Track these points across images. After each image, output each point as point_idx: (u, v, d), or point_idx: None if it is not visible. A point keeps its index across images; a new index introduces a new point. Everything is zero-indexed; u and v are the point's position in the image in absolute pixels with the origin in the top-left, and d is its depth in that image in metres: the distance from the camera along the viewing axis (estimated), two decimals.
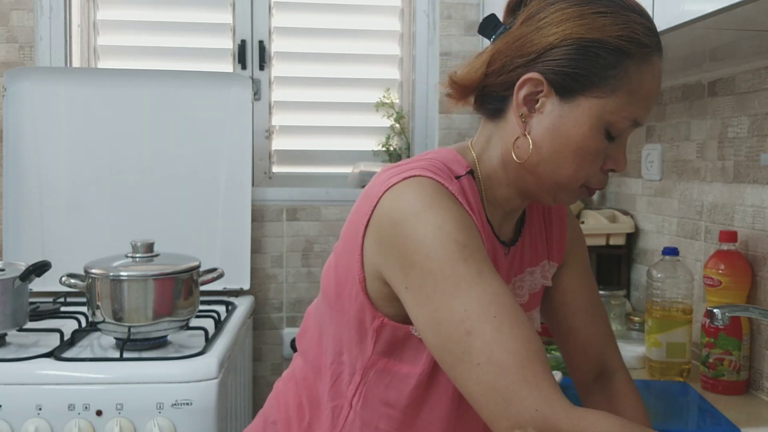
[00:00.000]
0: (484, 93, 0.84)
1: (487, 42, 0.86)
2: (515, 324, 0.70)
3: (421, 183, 0.75)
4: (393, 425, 0.84)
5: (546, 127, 0.79)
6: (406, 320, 0.78)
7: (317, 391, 0.89)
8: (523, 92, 0.79)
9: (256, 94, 2.02)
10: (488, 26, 0.85)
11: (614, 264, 1.84)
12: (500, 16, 0.86)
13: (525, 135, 0.80)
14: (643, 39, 0.77)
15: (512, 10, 0.84)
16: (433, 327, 0.71)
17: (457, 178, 0.81)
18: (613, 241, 1.76)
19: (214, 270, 1.54)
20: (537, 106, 0.79)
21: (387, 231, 0.75)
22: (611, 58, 0.76)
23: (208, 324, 1.54)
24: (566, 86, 0.77)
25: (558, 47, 0.77)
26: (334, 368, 0.85)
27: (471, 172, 0.84)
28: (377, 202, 0.76)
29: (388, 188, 0.76)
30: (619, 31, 0.76)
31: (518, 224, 0.93)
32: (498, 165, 0.85)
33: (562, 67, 0.77)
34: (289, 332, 2.01)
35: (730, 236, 1.28)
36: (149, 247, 1.46)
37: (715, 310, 1.02)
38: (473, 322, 0.69)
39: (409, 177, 0.76)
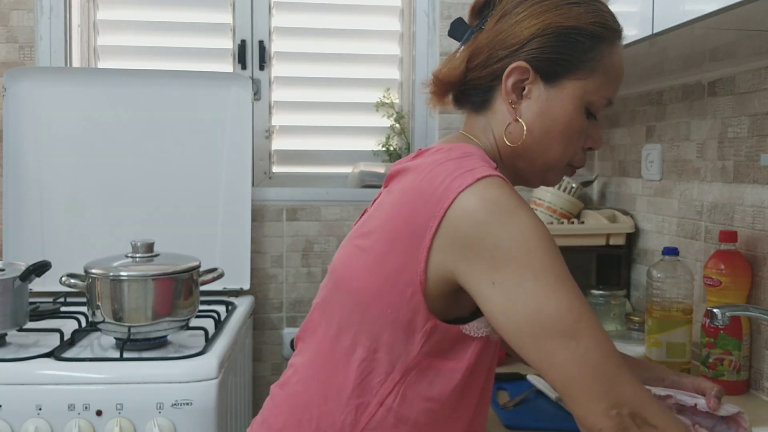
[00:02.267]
0: (467, 87, 0.91)
1: None
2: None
3: (499, 183, 0.78)
4: (432, 417, 0.85)
5: (535, 111, 0.86)
6: (454, 320, 0.81)
7: (328, 392, 0.86)
8: (511, 80, 0.86)
9: (256, 94, 2.02)
10: (458, 29, 0.92)
11: (614, 264, 1.84)
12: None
13: (517, 120, 0.87)
14: (612, 24, 0.88)
15: (478, 12, 0.91)
16: (532, 317, 0.74)
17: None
18: (613, 241, 1.76)
19: (214, 270, 1.54)
20: (524, 92, 0.87)
21: (471, 230, 0.76)
22: (588, 42, 0.85)
23: (208, 324, 1.54)
24: (551, 71, 0.85)
25: (539, 36, 0.85)
26: (365, 366, 0.84)
27: None
28: (449, 206, 0.77)
29: (461, 192, 0.77)
30: (592, 18, 0.86)
31: None
32: (495, 153, 0.90)
33: (546, 53, 0.85)
34: (289, 332, 2.01)
35: (730, 236, 1.28)
36: (149, 247, 1.46)
37: (715, 310, 1.02)
38: (579, 311, 0.74)
39: (483, 177, 0.77)
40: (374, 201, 0.93)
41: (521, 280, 0.74)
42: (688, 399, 0.93)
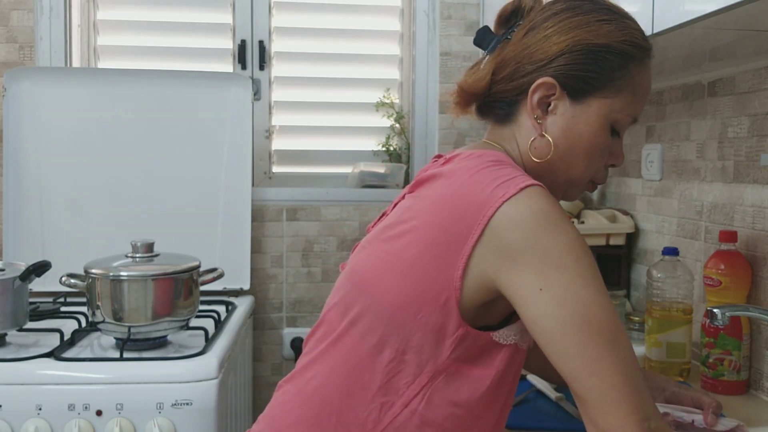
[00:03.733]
0: (492, 99, 0.90)
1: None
2: None
3: (542, 192, 0.78)
4: (457, 423, 0.85)
5: (561, 127, 0.86)
6: (483, 328, 0.82)
7: (354, 385, 0.85)
8: (537, 96, 0.85)
9: (256, 94, 2.02)
10: (484, 38, 0.92)
11: (614, 264, 1.84)
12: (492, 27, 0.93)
13: (542, 135, 0.87)
14: (642, 43, 0.87)
15: (505, 21, 0.91)
16: (579, 325, 0.74)
17: None
18: (613, 241, 1.76)
19: (214, 270, 1.54)
20: (549, 108, 0.86)
21: (518, 238, 0.76)
22: (617, 60, 0.84)
23: (208, 324, 1.54)
24: (578, 88, 0.85)
25: (568, 53, 0.84)
26: (392, 366, 0.83)
27: None
28: (493, 215, 0.77)
29: (505, 201, 0.77)
30: (622, 36, 0.85)
31: None
32: (521, 166, 0.89)
33: (574, 71, 0.84)
34: (289, 332, 2.02)
35: (730, 236, 1.28)
36: (149, 247, 1.46)
37: (715, 310, 1.02)
38: (617, 321, 0.75)
39: (526, 186, 0.77)
40: (395, 204, 0.92)
41: (572, 286, 0.75)
42: (685, 416, 0.94)
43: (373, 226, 0.92)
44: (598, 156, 0.88)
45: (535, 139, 0.87)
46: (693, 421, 0.91)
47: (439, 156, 0.91)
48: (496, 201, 0.77)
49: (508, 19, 0.91)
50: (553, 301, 0.75)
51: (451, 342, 0.80)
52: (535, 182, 0.79)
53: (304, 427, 0.86)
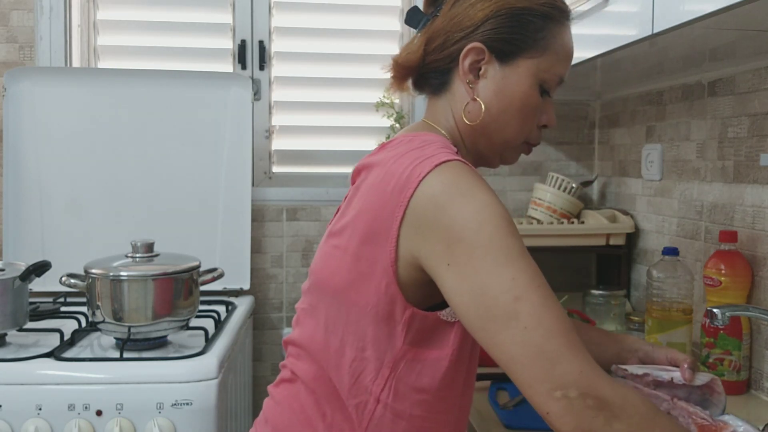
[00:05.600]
0: (426, 71, 0.94)
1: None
2: (554, 296, 0.75)
3: (457, 166, 0.80)
4: (425, 408, 0.86)
5: (492, 89, 0.90)
6: (432, 308, 0.82)
7: (334, 389, 0.87)
8: (467, 61, 0.89)
9: (256, 94, 2.02)
10: (414, 17, 0.96)
11: (614, 264, 1.84)
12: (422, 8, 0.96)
13: (474, 99, 0.90)
14: (560, 5, 0.92)
15: (433, 0, 0.95)
16: (477, 297, 0.74)
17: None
18: (613, 241, 1.76)
19: (214, 270, 1.54)
20: (480, 72, 0.90)
21: (431, 214, 0.77)
22: (539, 22, 0.89)
23: (208, 324, 1.54)
24: (505, 50, 0.89)
25: (493, 18, 0.88)
26: (356, 366, 0.85)
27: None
28: (413, 193, 0.78)
29: (423, 178, 0.78)
30: None
31: None
32: (456, 134, 0.93)
33: (500, 34, 0.88)
34: (289, 332, 2.01)
35: (730, 236, 1.28)
36: (149, 247, 1.46)
37: (715, 310, 1.02)
38: (522, 290, 0.73)
39: (441, 163, 0.79)
40: (345, 198, 0.94)
41: (470, 259, 0.75)
42: (664, 374, 0.95)
43: (330, 224, 0.93)
44: (531, 115, 0.91)
45: (468, 103, 0.90)
46: (672, 378, 0.93)
47: (381, 144, 0.93)
48: (415, 180, 0.79)
49: None
50: (456, 275, 0.76)
51: (402, 327, 0.82)
52: (454, 157, 0.81)
53: (299, 428, 0.89)
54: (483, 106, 0.89)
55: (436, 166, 0.79)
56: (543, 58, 0.89)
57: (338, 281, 0.85)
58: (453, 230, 0.76)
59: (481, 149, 0.94)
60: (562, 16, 0.91)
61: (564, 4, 0.93)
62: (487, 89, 0.90)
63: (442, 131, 0.93)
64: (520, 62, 0.89)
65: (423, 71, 0.94)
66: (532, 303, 0.73)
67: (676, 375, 0.94)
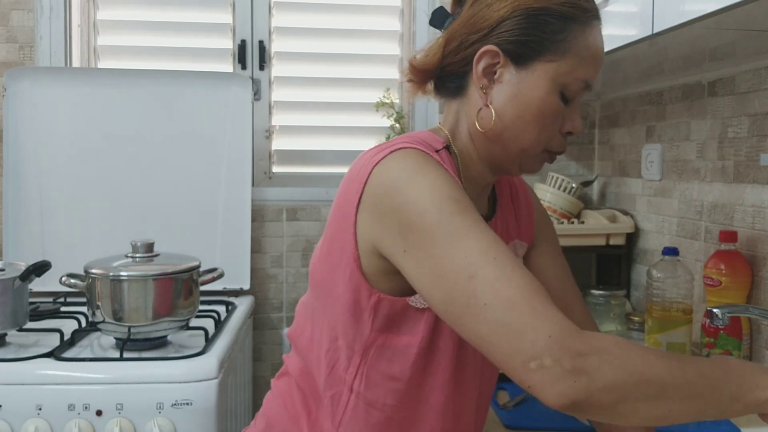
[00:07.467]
0: (444, 74, 0.89)
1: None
2: (515, 264, 0.72)
3: (407, 152, 0.79)
4: (398, 398, 0.85)
5: (506, 95, 0.84)
6: (402, 293, 0.81)
7: (316, 384, 0.89)
8: (481, 65, 0.84)
9: (256, 94, 2.02)
10: (439, 17, 0.91)
11: (614, 264, 1.84)
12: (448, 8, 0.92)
13: (487, 105, 0.85)
14: (583, 4, 0.84)
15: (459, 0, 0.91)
16: (436, 281, 0.73)
17: (437, 151, 0.84)
18: (613, 241, 1.76)
19: (214, 270, 1.54)
20: (495, 76, 0.85)
21: (382, 201, 0.77)
22: (558, 23, 0.82)
23: (208, 324, 1.54)
24: (521, 54, 0.83)
25: (509, 19, 0.83)
26: (330, 356, 0.86)
27: (447, 147, 0.88)
28: (367, 179, 0.78)
29: (376, 164, 0.79)
30: None
31: (490, 202, 0.97)
32: (467, 140, 0.90)
33: (515, 36, 0.83)
34: None
35: (730, 236, 1.28)
36: (149, 247, 1.46)
37: (715, 310, 1.02)
38: (475, 266, 0.71)
39: (394, 150, 0.79)
40: None
41: (422, 244, 0.74)
42: None
43: None
44: (549, 122, 0.85)
45: (481, 109, 0.86)
46: None
47: None
48: (368, 168, 0.79)
49: None
50: (414, 261, 0.75)
51: (369, 314, 0.82)
52: (411, 145, 0.80)
53: (288, 424, 0.92)
54: (494, 113, 0.84)
55: (391, 152, 0.79)
56: (563, 62, 0.83)
57: (318, 275, 0.87)
58: (403, 215, 0.75)
59: (497, 157, 0.89)
60: (585, 15, 0.84)
61: (588, 2, 0.86)
62: (501, 94, 0.85)
63: (446, 131, 0.91)
64: (537, 66, 0.83)
65: (441, 75, 0.90)
66: (487, 278, 0.70)
67: None
